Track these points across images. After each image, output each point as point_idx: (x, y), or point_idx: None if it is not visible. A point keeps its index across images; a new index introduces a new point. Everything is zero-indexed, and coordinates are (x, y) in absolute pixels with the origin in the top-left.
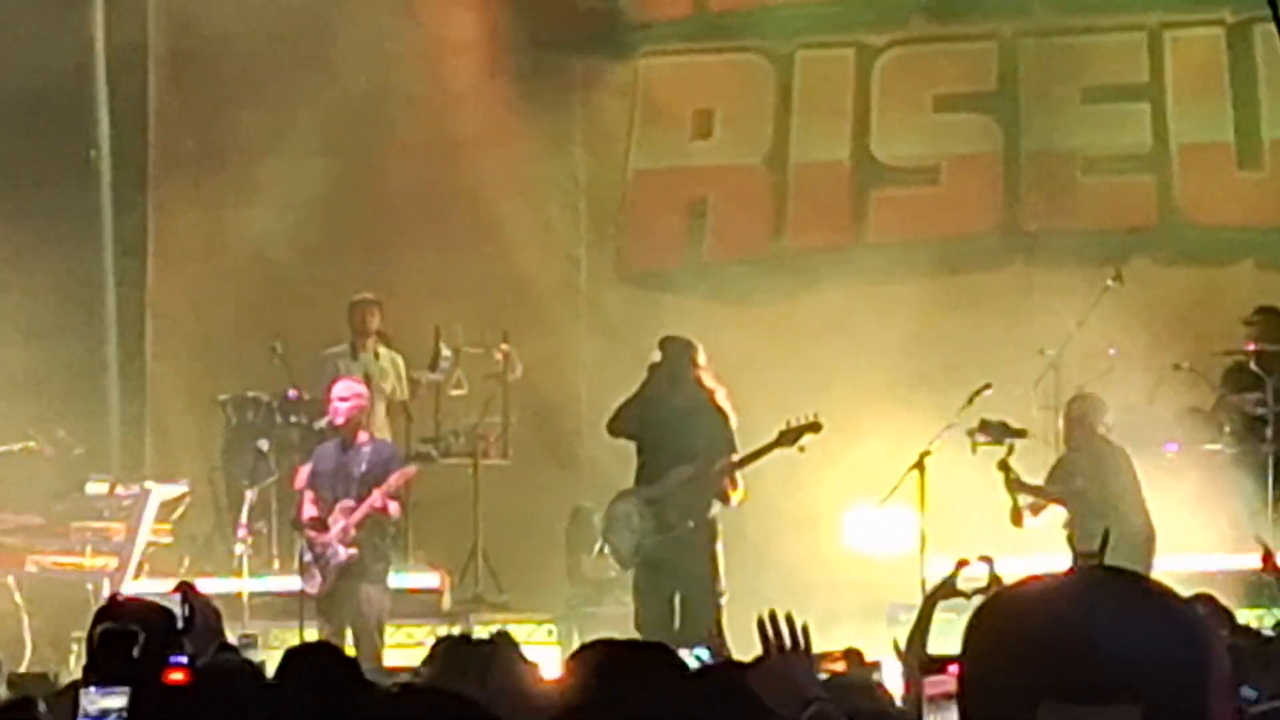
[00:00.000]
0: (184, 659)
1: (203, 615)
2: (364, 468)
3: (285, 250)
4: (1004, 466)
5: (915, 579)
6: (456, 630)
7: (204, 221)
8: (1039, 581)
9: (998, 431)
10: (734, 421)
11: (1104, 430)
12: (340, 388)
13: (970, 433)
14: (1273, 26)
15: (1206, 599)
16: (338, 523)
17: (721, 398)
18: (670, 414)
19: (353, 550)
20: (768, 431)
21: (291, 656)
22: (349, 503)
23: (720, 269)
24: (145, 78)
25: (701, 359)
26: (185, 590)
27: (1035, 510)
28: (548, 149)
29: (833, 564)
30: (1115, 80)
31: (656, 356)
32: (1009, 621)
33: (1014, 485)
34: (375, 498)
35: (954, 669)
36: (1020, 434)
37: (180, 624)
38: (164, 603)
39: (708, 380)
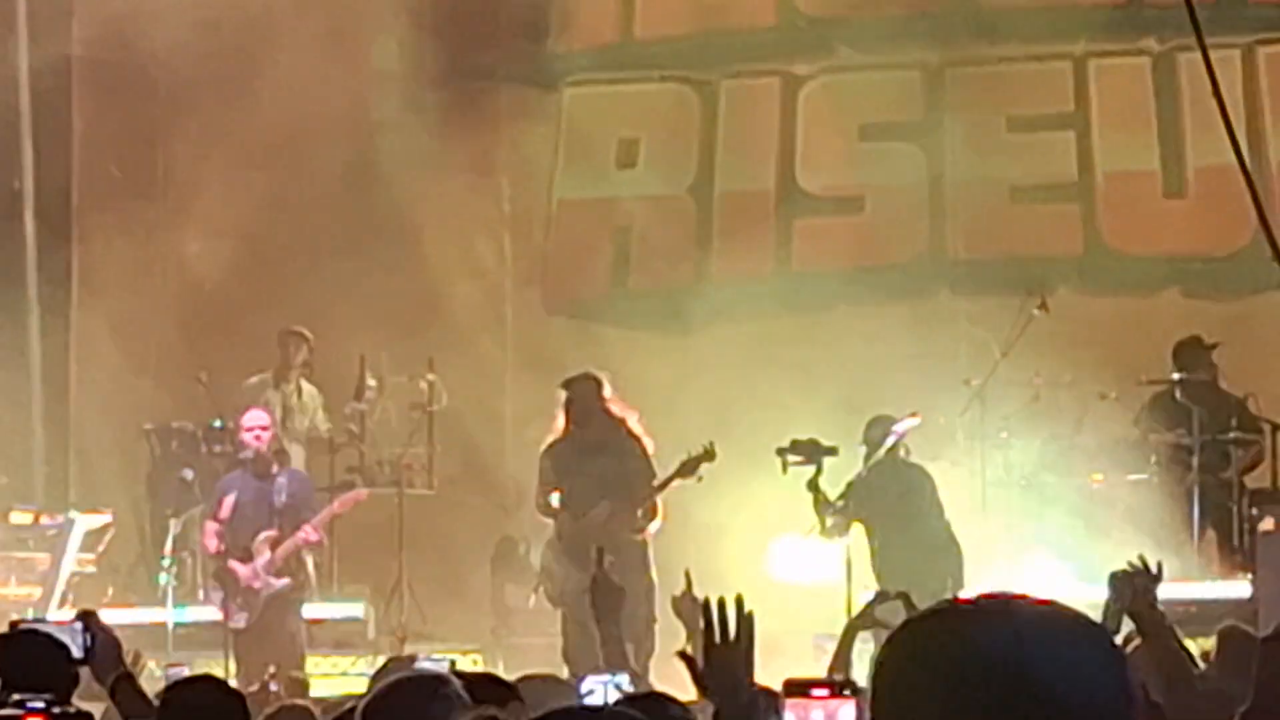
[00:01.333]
0: (40, 704)
1: (103, 644)
2: (284, 499)
3: (210, 280)
4: (813, 487)
5: (841, 609)
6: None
7: (129, 251)
8: (956, 610)
9: (809, 450)
10: (650, 445)
11: (902, 451)
12: (250, 417)
13: (780, 452)
14: (1198, 55)
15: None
16: (262, 554)
17: (634, 423)
18: (584, 452)
19: (285, 580)
20: (677, 462)
21: (174, 690)
22: (272, 533)
23: (645, 298)
24: (69, 108)
25: (607, 391)
26: (86, 618)
27: (840, 530)
28: (473, 178)
29: (758, 594)
30: (1041, 109)
31: (562, 398)
32: (930, 649)
33: (820, 506)
34: (310, 530)
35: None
36: (831, 452)
37: (80, 653)
38: (61, 633)
39: (617, 410)
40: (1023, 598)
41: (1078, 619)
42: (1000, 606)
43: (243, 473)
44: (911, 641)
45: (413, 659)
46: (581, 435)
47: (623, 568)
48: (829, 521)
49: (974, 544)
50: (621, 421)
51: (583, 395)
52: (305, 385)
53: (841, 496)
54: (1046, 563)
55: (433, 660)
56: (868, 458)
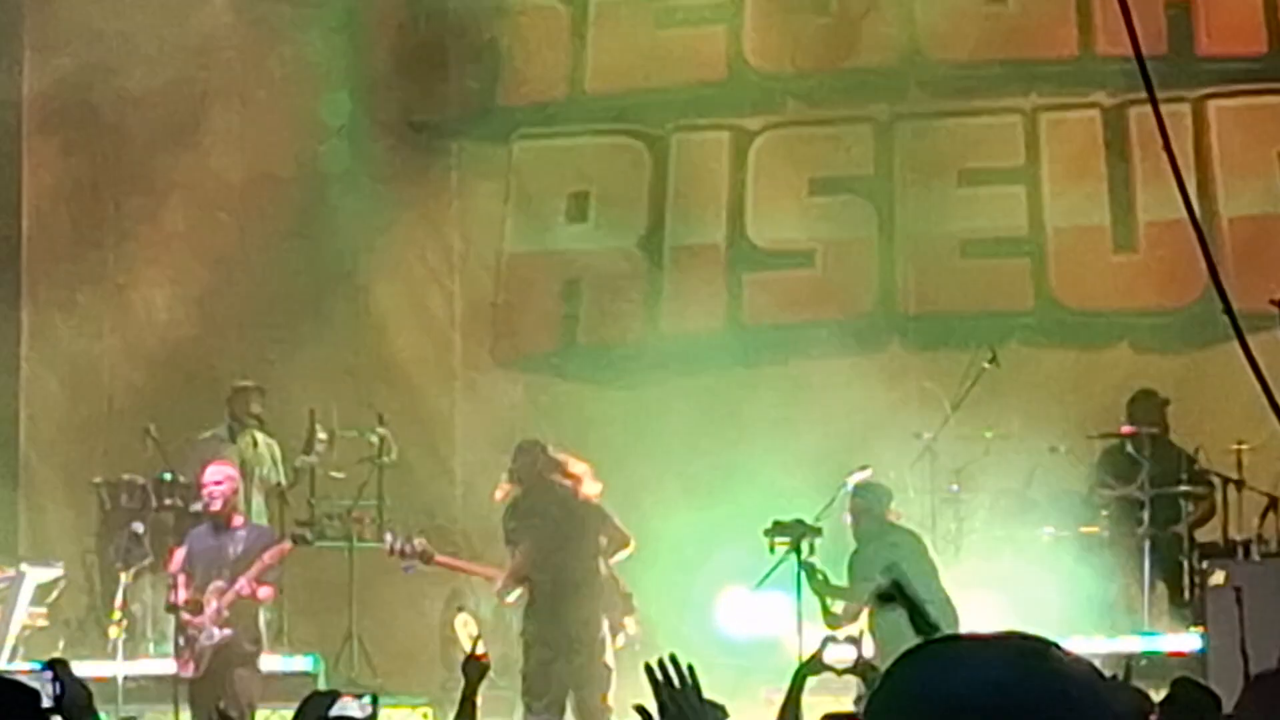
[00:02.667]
0: None
1: (72, 694)
2: (239, 550)
3: (159, 333)
4: (807, 566)
5: (792, 662)
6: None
7: (78, 304)
8: (944, 647)
9: (794, 531)
10: (597, 490)
11: (893, 516)
12: (212, 471)
13: (767, 533)
14: (1148, 109)
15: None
16: (210, 604)
17: (588, 481)
18: (544, 519)
19: (226, 631)
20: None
21: None
22: (221, 584)
23: (596, 351)
24: (19, 158)
25: (553, 451)
26: (55, 668)
27: (851, 616)
28: (422, 232)
29: (706, 647)
30: (991, 163)
31: (510, 466)
32: (919, 686)
33: (820, 586)
34: (242, 583)
35: None
36: (815, 531)
37: (50, 702)
38: (31, 682)
39: (572, 469)
40: (1009, 635)
41: (1063, 656)
42: (987, 643)
43: (204, 526)
44: (901, 679)
45: (336, 695)
46: (537, 502)
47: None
48: (836, 606)
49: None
50: (577, 481)
51: (528, 464)
52: (260, 436)
53: (852, 579)
54: (998, 616)
55: (358, 703)
56: (856, 528)
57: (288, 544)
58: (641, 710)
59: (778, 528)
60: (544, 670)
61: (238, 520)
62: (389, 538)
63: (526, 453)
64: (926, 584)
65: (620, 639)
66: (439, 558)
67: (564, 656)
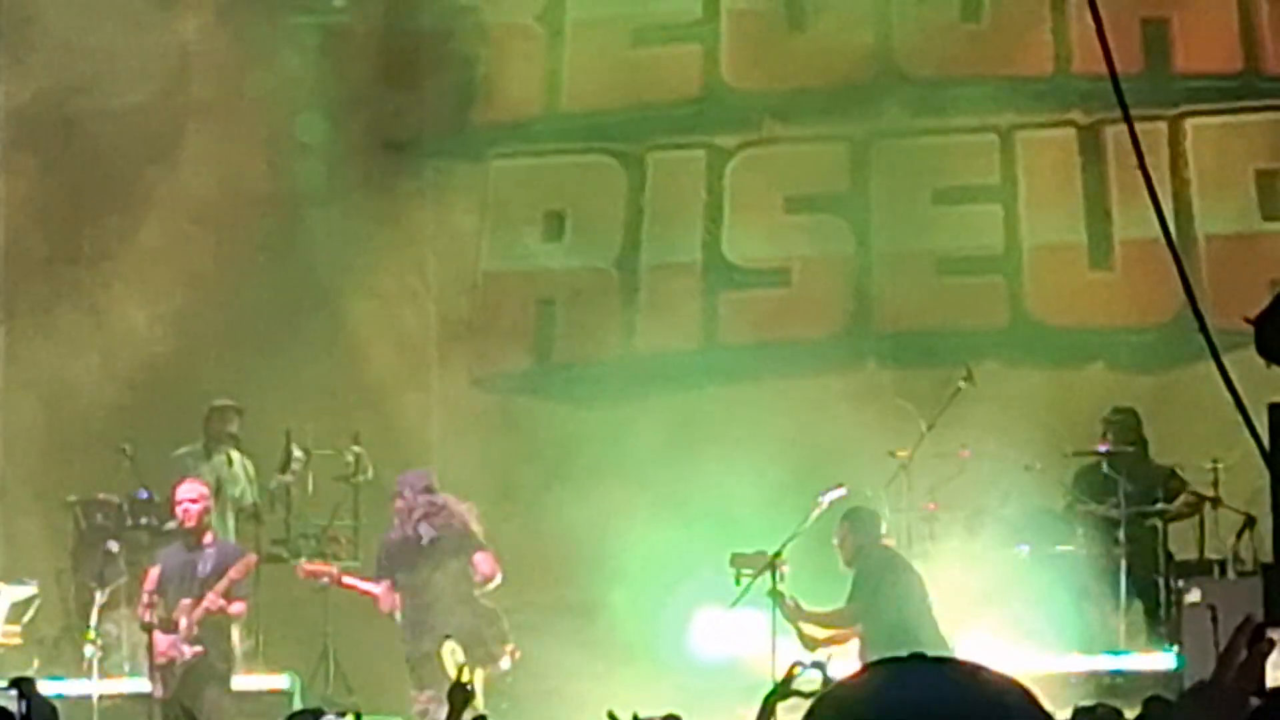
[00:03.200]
0: None
1: (39, 712)
2: (209, 568)
3: (135, 351)
4: (775, 594)
5: (765, 681)
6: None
7: (54, 323)
8: (886, 667)
9: (756, 561)
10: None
11: (883, 540)
12: (185, 489)
13: (733, 563)
14: (1124, 127)
15: None
16: (181, 622)
17: (465, 516)
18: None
19: (197, 648)
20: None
21: None
22: (188, 602)
23: (571, 371)
24: None
25: (430, 484)
26: (21, 686)
27: (837, 640)
28: (398, 251)
29: (680, 666)
30: (967, 181)
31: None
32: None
33: (793, 613)
34: (210, 598)
35: None
36: (777, 559)
37: None
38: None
39: (439, 501)
40: (951, 659)
41: (1004, 678)
42: (929, 664)
43: (176, 544)
44: (842, 697)
45: (319, 713)
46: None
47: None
48: (812, 630)
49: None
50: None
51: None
52: (235, 455)
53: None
54: (973, 634)
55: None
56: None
57: (253, 557)
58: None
59: (739, 559)
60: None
61: (208, 538)
62: (302, 561)
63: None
64: (904, 610)
65: (494, 667)
66: (344, 580)
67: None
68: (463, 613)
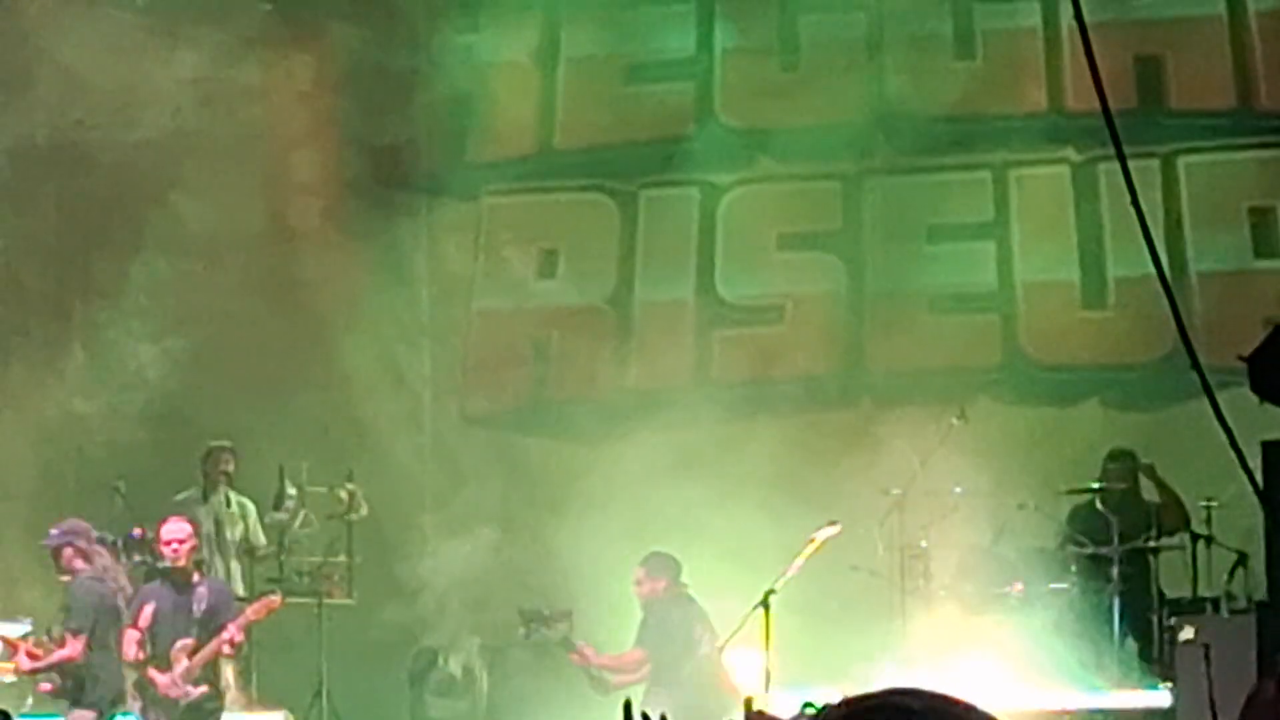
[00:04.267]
0: None
1: None
2: (203, 607)
3: (129, 390)
4: (566, 644)
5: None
6: None
7: (47, 361)
8: (859, 703)
9: (548, 618)
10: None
11: (675, 588)
12: (170, 528)
13: (523, 617)
14: (1117, 165)
15: None
16: (180, 662)
17: None
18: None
19: (202, 688)
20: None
21: None
22: (188, 641)
23: (564, 408)
24: None
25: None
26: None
27: (628, 681)
28: (392, 288)
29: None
30: (960, 219)
31: None
32: None
33: (584, 660)
34: (232, 631)
35: None
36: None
37: None
38: None
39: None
40: (918, 691)
41: (970, 709)
42: (897, 698)
43: (161, 582)
44: None
45: None
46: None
47: None
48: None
49: (894, 651)
50: None
51: None
52: (234, 496)
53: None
54: (966, 672)
55: None
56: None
57: (276, 599)
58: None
59: (526, 614)
60: None
61: (195, 577)
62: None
63: None
64: (688, 656)
65: None
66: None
67: None
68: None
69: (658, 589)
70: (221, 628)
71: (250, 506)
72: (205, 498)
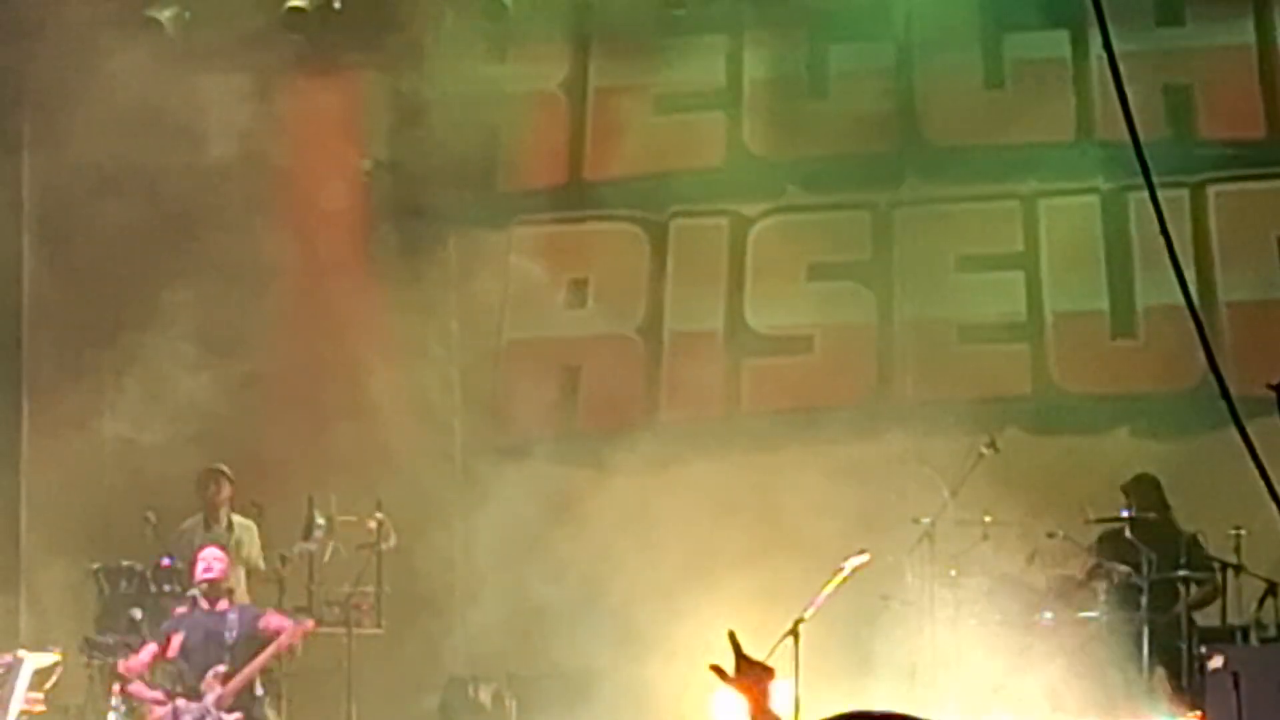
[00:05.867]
0: None
1: None
2: (234, 634)
3: (159, 421)
4: None
5: None
6: None
7: (78, 393)
8: None
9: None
10: None
11: None
12: (206, 555)
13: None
14: (1146, 194)
15: None
16: (213, 689)
17: None
18: None
19: (237, 714)
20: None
21: None
22: (220, 669)
23: (593, 439)
24: (19, 250)
25: None
26: None
27: None
28: (421, 318)
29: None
30: (989, 249)
31: None
32: None
33: None
34: (271, 651)
35: None
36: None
37: None
38: None
39: None
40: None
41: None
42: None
43: (192, 610)
44: None
45: None
46: None
47: None
48: None
49: (924, 681)
50: None
51: None
52: (237, 520)
53: None
54: (996, 701)
55: None
56: None
57: (309, 623)
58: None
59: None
60: None
61: (223, 604)
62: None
63: None
64: None
65: None
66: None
67: None
68: None
69: None
70: (255, 654)
71: (252, 527)
72: (208, 526)
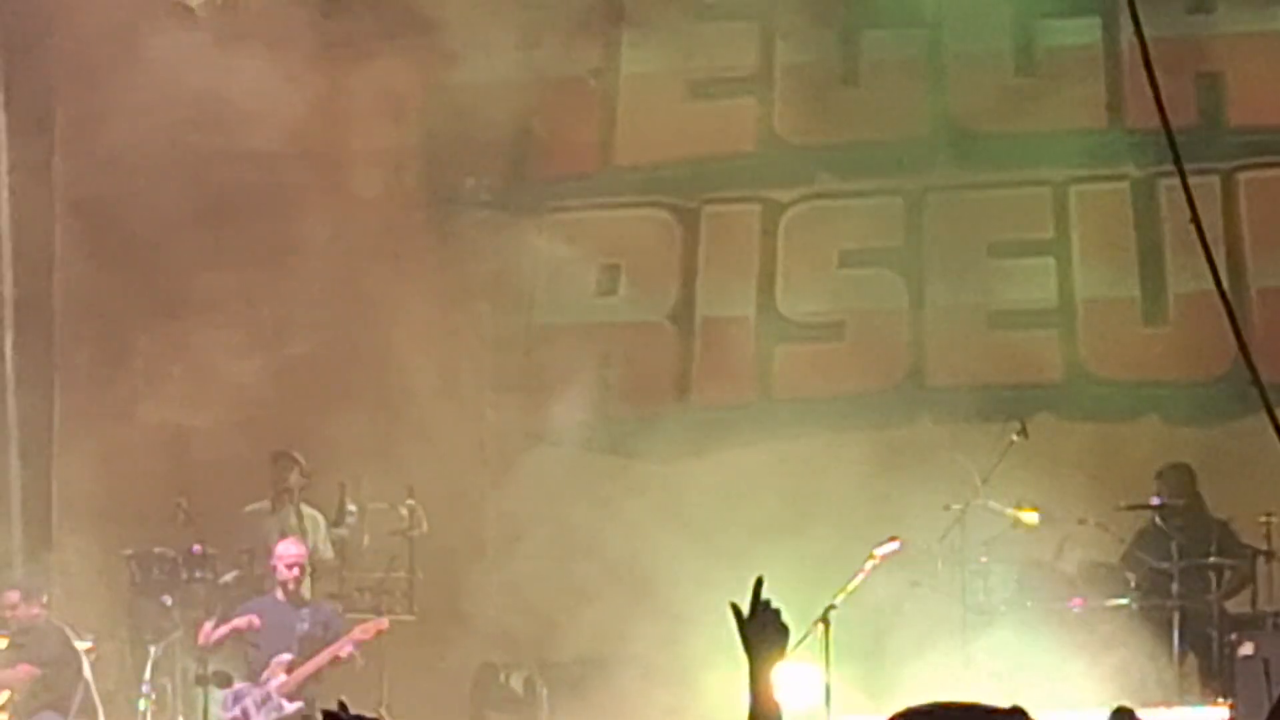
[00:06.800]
0: None
1: None
2: (306, 627)
3: (192, 407)
4: None
5: None
6: None
7: (110, 379)
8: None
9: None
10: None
11: None
12: (284, 547)
13: None
14: (1178, 181)
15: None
16: (276, 676)
17: None
18: None
19: (298, 704)
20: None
21: None
22: (286, 658)
23: (625, 425)
24: (52, 238)
25: None
26: None
27: None
28: (454, 304)
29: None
30: (1021, 235)
31: None
32: None
33: None
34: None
35: None
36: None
37: None
38: None
39: None
40: (953, 704)
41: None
42: (951, 711)
43: (273, 599)
44: None
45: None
46: None
47: None
48: None
49: (954, 668)
50: None
51: None
52: (305, 509)
53: None
54: (1027, 688)
55: None
56: None
57: (384, 621)
58: (734, 606)
59: None
60: None
61: (306, 597)
62: None
63: None
64: None
65: None
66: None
67: None
68: None
69: None
70: (324, 646)
71: (320, 520)
72: (274, 509)
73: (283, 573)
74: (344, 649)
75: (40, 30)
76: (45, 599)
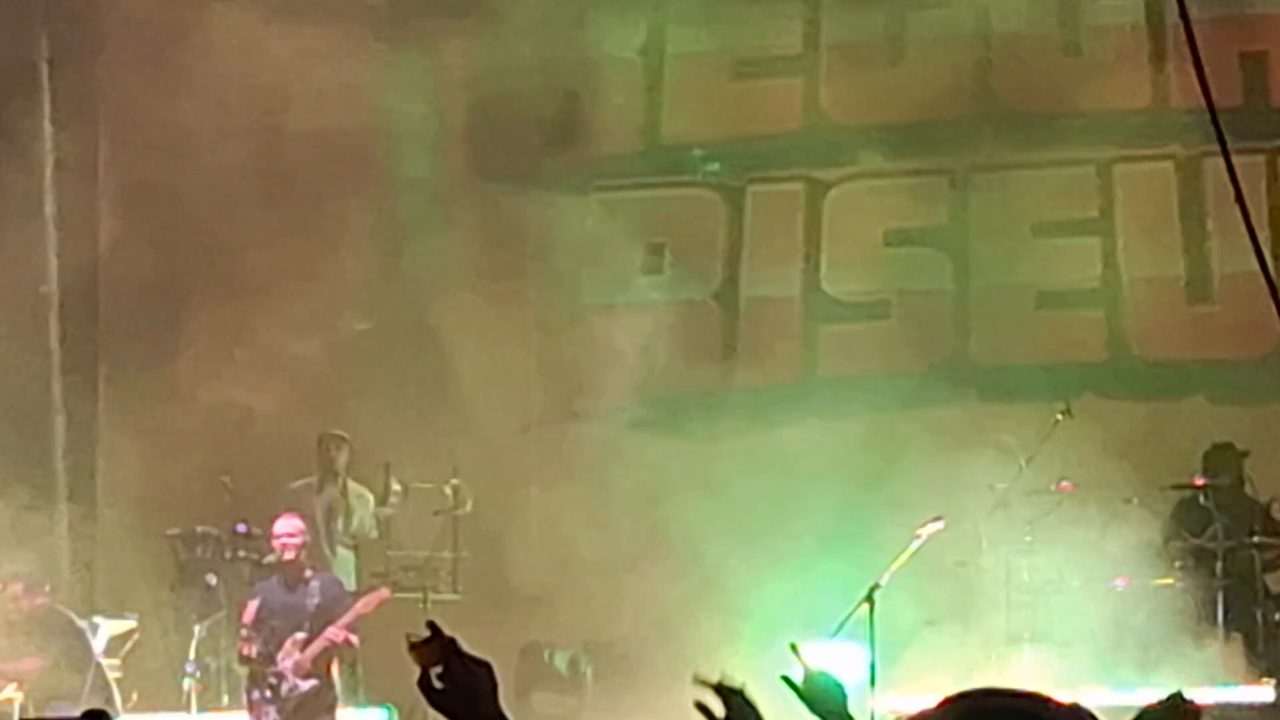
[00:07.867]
0: None
1: None
2: (316, 601)
3: (234, 387)
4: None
5: (866, 716)
6: None
7: (153, 359)
8: (962, 703)
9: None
10: None
11: None
12: (282, 524)
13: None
14: (1222, 161)
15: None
16: (291, 656)
17: None
18: None
19: (313, 681)
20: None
21: None
22: (301, 636)
23: (671, 404)
24: (96, 216)
25: None
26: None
27: None
28: (499, 283)
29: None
30: (1066, 215)
31: None
32: None
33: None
34: (334, 630)
35: None
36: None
37: None
38: None
39: None
40: (1009, 691)
41: (1060, 706)
42: (1005, 696)
43: (275, 579)
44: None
45: None
46: None
47: None
48: None
49: (999, 648)
50: None
51: None
52: (353, 486)
53: None
54: (1071, 667)
55: None
56: None
57: (385, 592)
58: (702, 707)
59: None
60: None
61: (308, 573)
62: None
63: None
64: None
65: None
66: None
67: None
68: None
69: None
70: (333, 621)
71: (368, 497)
72: (320, 487)
73: (280, 549)
74: (337, 636)
75: (84, 13)
76: (48, 588)
